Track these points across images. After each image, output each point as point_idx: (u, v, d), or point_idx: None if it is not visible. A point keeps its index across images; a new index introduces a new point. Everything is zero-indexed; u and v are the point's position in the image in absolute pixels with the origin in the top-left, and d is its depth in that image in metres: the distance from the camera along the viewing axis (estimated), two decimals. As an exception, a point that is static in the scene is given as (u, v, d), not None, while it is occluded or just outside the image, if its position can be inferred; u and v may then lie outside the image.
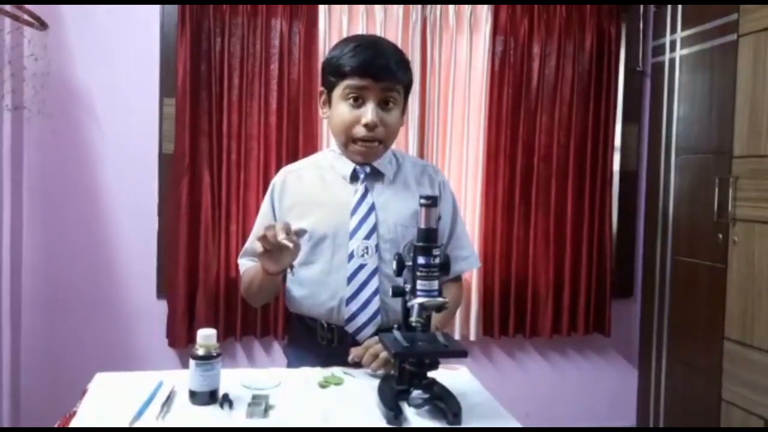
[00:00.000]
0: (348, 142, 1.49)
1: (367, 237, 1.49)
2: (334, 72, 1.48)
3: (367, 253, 1.48)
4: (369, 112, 1.44)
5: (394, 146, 1.61)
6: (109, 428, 1.13)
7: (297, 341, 1.64)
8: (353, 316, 1.49)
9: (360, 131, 1.46)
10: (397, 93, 1.48)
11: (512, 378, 2.98)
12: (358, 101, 1.46)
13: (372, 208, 1.51)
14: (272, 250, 1.36)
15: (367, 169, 1.54)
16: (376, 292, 1.48)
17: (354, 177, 1.54)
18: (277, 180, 1.63)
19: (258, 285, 1.52)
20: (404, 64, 1.49)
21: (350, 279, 1.49)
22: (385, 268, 1.49)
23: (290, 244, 1.32)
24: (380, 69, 1.42)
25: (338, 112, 1.48)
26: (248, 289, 1.59)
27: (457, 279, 1.67)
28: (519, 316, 2.85)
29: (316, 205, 1.54)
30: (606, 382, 3.08)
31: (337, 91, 1.48)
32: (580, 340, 2.99)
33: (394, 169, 1.58)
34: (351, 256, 1.49)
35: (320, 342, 1.54)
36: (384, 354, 1.36)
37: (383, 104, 1.46)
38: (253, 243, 1.40)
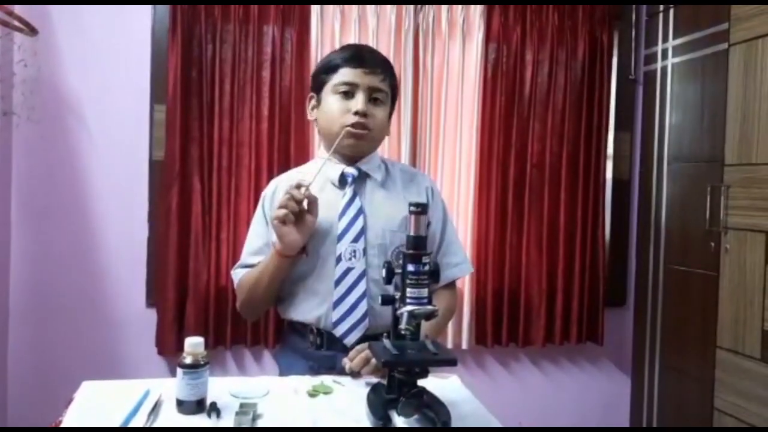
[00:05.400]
0: (341, 131, 1.52)
1: (355, 240, 1.50)
2: (325, 69, 1.55)
3: (354, 256, 1.49)
4: (360, 101, 1.50)
5: (384, 154, 1.63)
6: (105, 428, 1.12)
7: (288, 346, 1.65)
8: (340, 320, 1.50)
9: (350, 119, 1.50)
10: (385, 93, 1.54)
11: (505, 387, 2.96)
12: (348, 95, 1.51)
13: (360, 211, 1.53)
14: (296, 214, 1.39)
15: (356, 173, 1.55)
16: (363, 296, 1.49)
17: (343, 181, 1.55)
18: (267, 190, 1.65)
19: (270, 278, 1.51)
20: (390, 66, 1.59)
21: (337, 282, 1.50)
22: (372, 272, 1.50)
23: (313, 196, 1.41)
24: (370, 59, 1.51)
25: (328, 105, 1.54)
26: (254, 290, 1.56)
27: (451, 286, 1.67)
28: (512, 325, 2.83)
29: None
30: (599, 390, 3.07)
31: (328, 87, 1.54)
32: (573, 349, 2.98)
33: (382, 174, 1.61)
34: (338, 259, 1.50)
35: (310, 347, 1.54)
36: (375, 360, 1.35)
37: (372, 100, 1.52)
38: (277, 211, 1.40)
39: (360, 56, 1.51)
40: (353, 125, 1.50)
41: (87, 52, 2.55)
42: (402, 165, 1.72)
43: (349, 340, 1.50)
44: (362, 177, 1.57)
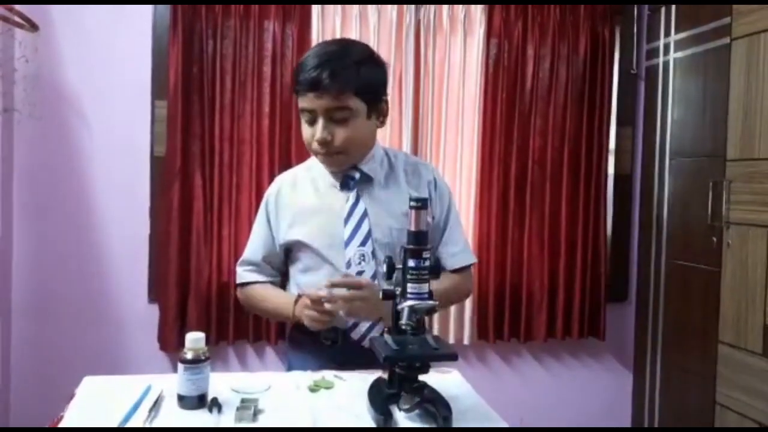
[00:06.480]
0: (315, 155, 1.53)
1: (363, 244, 1.50)
2: (293, 87, 1.51)
3: (364, 260, 1.50)
4: (318, 129, 1.45)
5: (388, 145, 1.60)
6: (104, 428, 1.12)
7: (299, 343, 1.64)
8: (356, 324, 1.50)
9: (316, 147, 1.48)
10: (347, 109, 1.44)
11: (507, 382, 2.97)
12: (311, 120, 1.47)
13: (365, 214, 1.52)
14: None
15: (357, 175, 1.54)
16: None
17: (345, 184, 1.55)
18: (271, 192, 1.65)
19: (275, 317, 1.65)
20: (354, 69, 1.43)
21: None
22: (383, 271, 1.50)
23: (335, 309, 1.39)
24: (322, 81, 1.40)
25: (302, 127, 1.52)
26: (259, 312, 1.68)
27: (461, 271, 1.64)
28: (514, 320, 2.83)
29: (310, 215, 1.56)
30: (601, 386, 3.07)
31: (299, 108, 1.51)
32: (574, 344, 2.98)
33: (385, 171, 1.59)
34: (348, 264, 1.50)
35: (323, 342, 1.54)
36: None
37: (337, 118, 1.45)
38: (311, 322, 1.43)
39: (311, 79, 1.40)
40: (320, 153, 1.49)
41: (88, 48, 2.55)
42: (406, 156, 1.68)
43: (366, 342, 1.50)
44: (364, 178, 1.56)
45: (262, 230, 1.64)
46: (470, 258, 1.66)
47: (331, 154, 1.48)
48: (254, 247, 1.65)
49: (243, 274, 1.66)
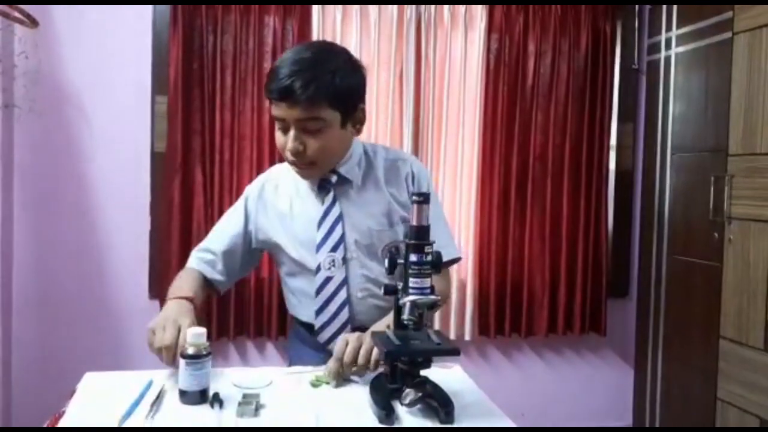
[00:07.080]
0: (287, 163, 1.48)
1: (334, 249, 1.48)
2: (266, 93, 1.43)
3: (333, 265, 1.48)
4: (289, 139, 1.39)
5: (389, 142, 1.57)
6: (103, 428, 1.11)
7: (298, 338, 1.64)
8: (322, 328, 1.51)
9: (288, 156, 1.43)
10: (320, 120, 1.38)
11: (508, 377, 2.97)
12: (284, 128, 1.41)
13: (339, 218, 1.49)
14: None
15: (334, 178, 1.51)
16: (344, 304, 1.49)
17: (322, 187, 1.52)
18: (254, 190, 1.61)
19: None
20: (328, 78, 1.35)
21: (317, 292, 1.49)
22: (359, 268, 1.50)
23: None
24: (293, 91, 1.33)
25: (275, 134, 1.46)
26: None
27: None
28: (515, 316, 2.84)
29: (288, 220, 1.55)
30: (602, 381, 3.07)
31: None
32: (576, 340, 2.98)
33: (362, 170, 1.55)
34: (318, 269, 1.49)
35: (319, 340, 1.54)
36: (372, 354, 1.29)
37: (309, 129, 1.39)
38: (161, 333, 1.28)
39: (283, 89, 1.33)
40: (292, 163, 1.45)
41: (88, 43, 2.55)
42: (386, 152, 1.61)
43: (333, 347, 1.49)
44: (342, 180, 1.51)
45: (234, 225, 1.58)
46: (451, 253, 1.54)
47: (303, 165, 1.44)
48: (218, 237, 1.59)
49: (194, 257, 1.59)
